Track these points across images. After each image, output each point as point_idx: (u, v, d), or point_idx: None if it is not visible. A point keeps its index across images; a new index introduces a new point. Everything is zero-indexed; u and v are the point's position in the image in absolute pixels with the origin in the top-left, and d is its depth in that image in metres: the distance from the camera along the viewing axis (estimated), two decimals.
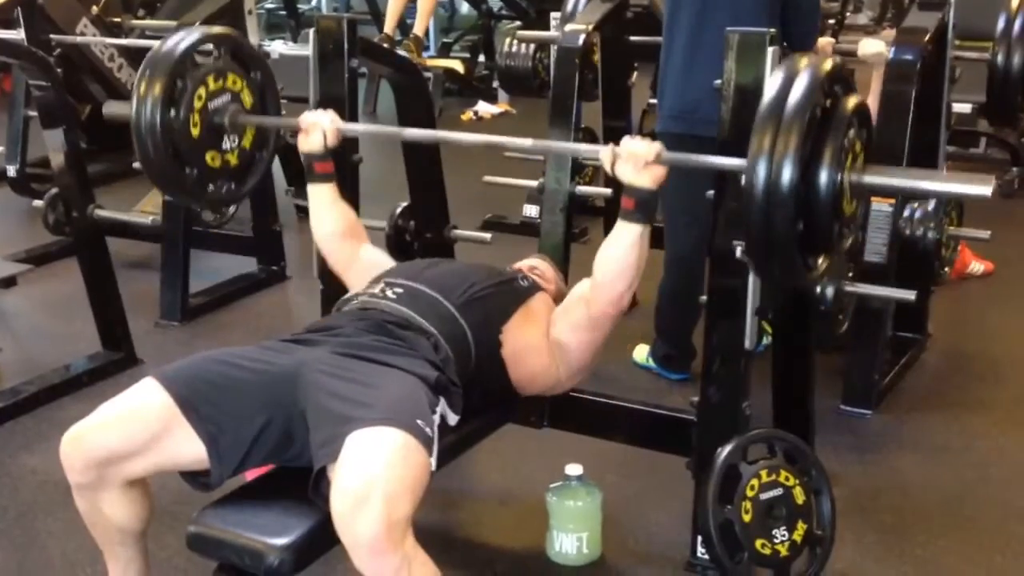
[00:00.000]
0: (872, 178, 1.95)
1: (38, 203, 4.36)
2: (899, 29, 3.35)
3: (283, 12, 10.14)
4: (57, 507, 2.69)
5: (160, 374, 1.98)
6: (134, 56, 5.16)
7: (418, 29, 7.07)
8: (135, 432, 1.92)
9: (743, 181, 1.90)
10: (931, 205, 3.22)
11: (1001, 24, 3.30)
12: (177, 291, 3.99)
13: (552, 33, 4.25)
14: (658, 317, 3.47)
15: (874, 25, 6.62)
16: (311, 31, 2.75)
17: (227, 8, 3.98)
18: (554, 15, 5.09)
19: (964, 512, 2.76)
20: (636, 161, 2.06)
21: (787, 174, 1.82)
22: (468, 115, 7.78)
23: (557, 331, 2.25)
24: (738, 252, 2.16)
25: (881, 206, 3.18)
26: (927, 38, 3.18)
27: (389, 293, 2.22)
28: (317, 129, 2.40)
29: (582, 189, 3.29)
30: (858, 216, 2.00)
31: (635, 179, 2.07)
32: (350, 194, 2.73)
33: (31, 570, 2.55)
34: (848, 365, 3.30)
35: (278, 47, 4.16)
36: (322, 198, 2.45)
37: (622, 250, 2.12)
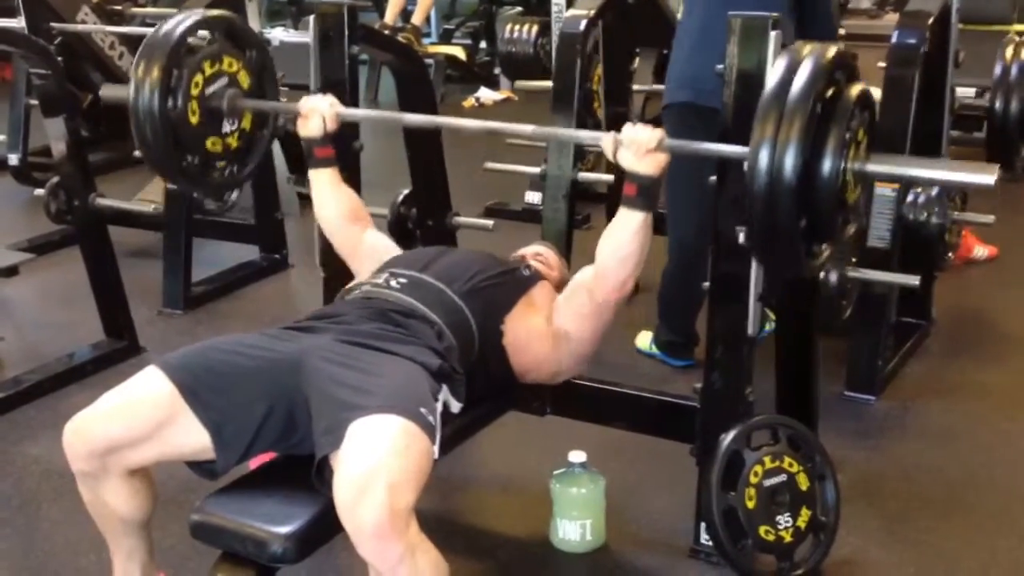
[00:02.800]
0: (875, 167, 1.93)
1: (40, 192, 4.34)
2: (902, 13, 3.33)
3: None
4: (61, 496, 2.70)
5: (163, 362, 1.98)
6: (135, 44, 5.10)
7: (416, 19, 7.12)
8: (138, 420, 1.92)
9: (746, 169, 1.89)
10: (935, 190, 3.21)
11: (998, 71, 3.39)
12: (179, 279, 3.99)
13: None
14: (661, 303, 3.46)
15: (877, 10, 6.59)
16: (312, 18, 2.73)
17: None
18: (555, 0, 5.08)
19: (968, 497, 2.76)
20: (638, 148, 2.06)
21: (790, 164, 1.80)
22: (470, 102, 7.75)
23: (560, 319, 2.24)
24: (741, 238, 2.15)
25: (884, 191, 3.17)
26: (930, 21, 3.16)
27: (393, 283, 2.21)
28: (316, 114, 2.39)
29: (584, 175, 3.29)
30: (860, 204, 1.99)
31: (637, 166, 2.07)
32: (352, 181, 2.72)
33: (35, 559, 2.55)
34: (852, 351, 3.30)
35: (279, 34, 4.15)
36: (324, 182, 2.44)
37: (625, 237, 2.12)
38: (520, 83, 5.00)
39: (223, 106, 2.42)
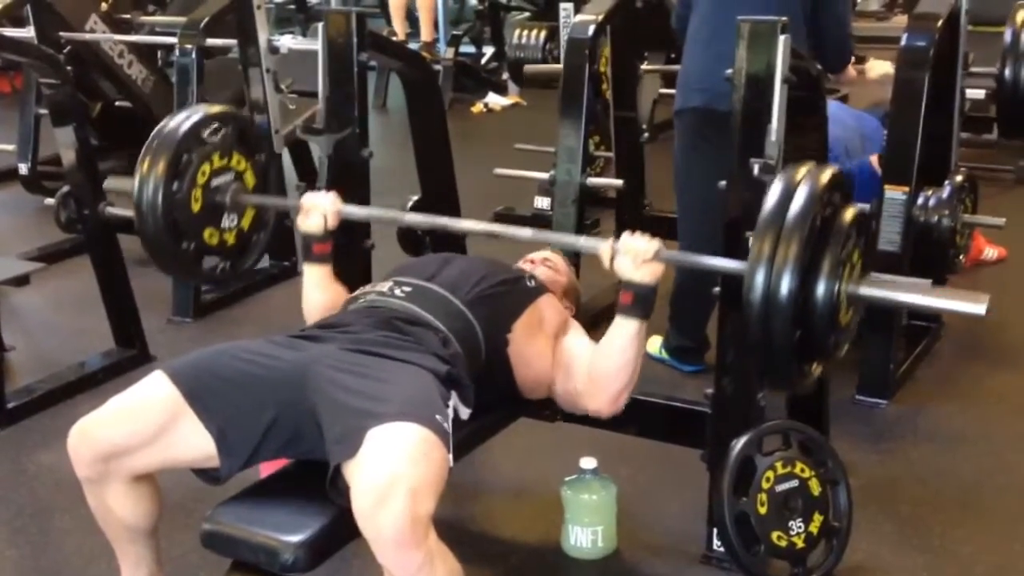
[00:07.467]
0: (869, 290, 1.96)
1: (50, 201, 4.35)
2: (912, 15, 3.32)
3: (292, 6, 10.15)
4: (73, 504, 2.69)
5: (168, 367, 1.98)
6: (144, 53, 5.17)
7: (425, 34, 7.45)
8: (143, 424, 1.92)
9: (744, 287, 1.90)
10: (945, 193, 3.19)
11: (1008, 38, 3.31)
12: (189, 288, 3.99)
13: None
14: (672, 308, 3.45)
15: (885, 12, 6.58)
16: (320, 25, 2.74)
17: (236, 3, 3.98)
18: (563, 5, 5.08)
19: (981, 502, 2.75)
20: (635, 257, 2.05)
21: (786, 287, 1.82)
22: (478, 107, 7.74)
23: (557, 385, 2.25)
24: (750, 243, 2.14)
25: (895, 194, 3.16)
26: (939, 23, 3.15)
27: (397, 291, 2.21)
28: (318, 211, 2.36)
29: (593, 181, 3.28)
30: (853, 325, 2.01)
31: (633, 275, 2.06)
32: (361, 190, 2.72)
33: (47, 567, 2.56)
34: (863, 355, 3.28)
35: (287, 41, 4.12)
36: (316, 280, 2.39)
37: (620, 346, 2.11)
38: (529, 67, 5.00)
39: (226, 200, 2.42)
